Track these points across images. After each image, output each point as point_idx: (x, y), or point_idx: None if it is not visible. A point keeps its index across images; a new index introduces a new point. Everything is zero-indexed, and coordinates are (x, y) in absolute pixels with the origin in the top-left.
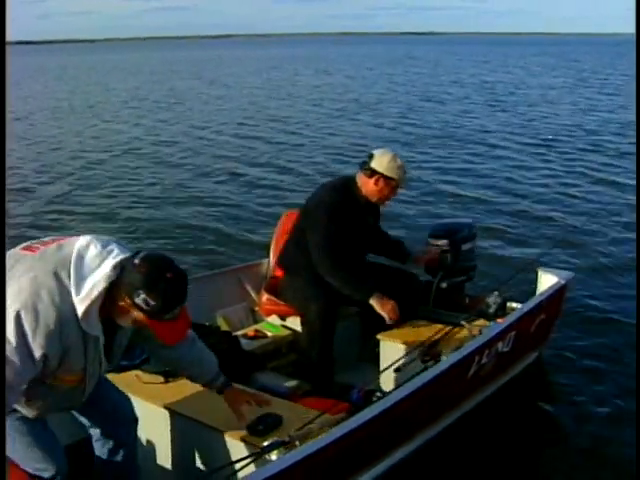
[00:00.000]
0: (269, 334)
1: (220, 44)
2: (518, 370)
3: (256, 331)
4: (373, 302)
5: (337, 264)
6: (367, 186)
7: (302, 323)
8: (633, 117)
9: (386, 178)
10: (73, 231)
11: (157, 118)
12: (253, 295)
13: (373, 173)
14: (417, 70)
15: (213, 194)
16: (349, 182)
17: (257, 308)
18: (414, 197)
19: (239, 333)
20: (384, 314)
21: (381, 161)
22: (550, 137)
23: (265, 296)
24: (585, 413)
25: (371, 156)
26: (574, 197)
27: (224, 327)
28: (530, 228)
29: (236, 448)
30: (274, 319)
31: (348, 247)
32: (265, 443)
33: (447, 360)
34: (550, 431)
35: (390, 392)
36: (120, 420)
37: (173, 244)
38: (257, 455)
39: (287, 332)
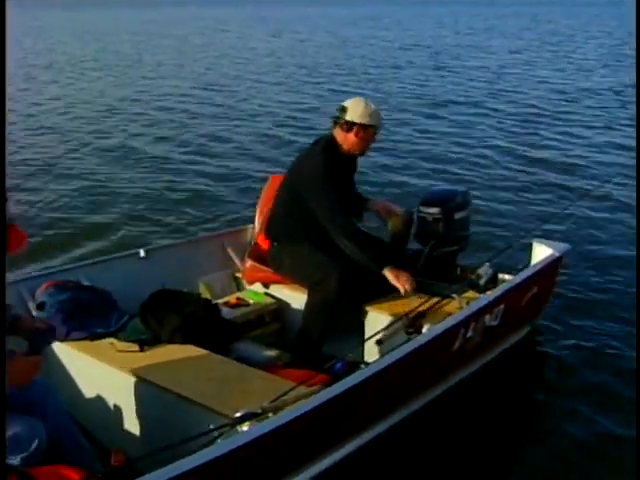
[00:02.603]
0: (251, 302)
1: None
2: (508, 345)
3: (238, 299)
4: (387, 273)
5: (353, 230)
6: (348, 141)
7: (312, 294)
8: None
9: (366, 127)
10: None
11: (120, 83)
12: (237, 262)
13: (351, 126)
14: (374, 32)
15: (195, 159)
16: (331, 142)
17: (240, 275)
18: (405, 165)
19: (221, 301)
20: (399, 286)
21: (356, 111)
22: (548, 103)
23: (249, 263)
24: (576, 391)
25: (343, 109)
26: (576, 166)
27: (206, 295)
28: (527, 198)
29: (207, 419)
30: (257, 287)
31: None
32: (237, 414)
33: (429, 332)
34: (539, 408)
35: (369, 364)
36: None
37: (155, 209)
38: (227, 426)
39: (270, 300)
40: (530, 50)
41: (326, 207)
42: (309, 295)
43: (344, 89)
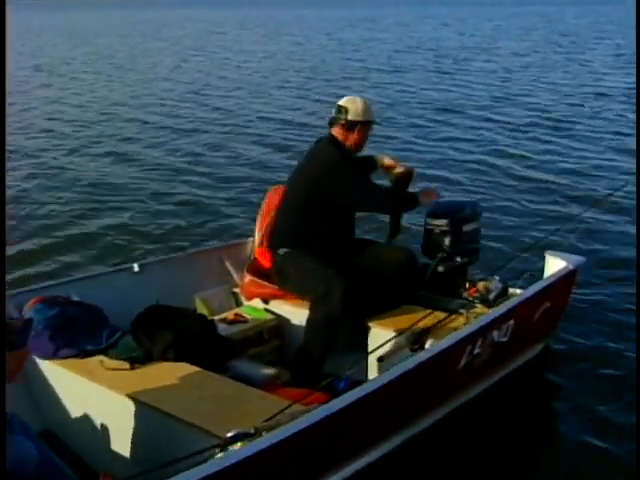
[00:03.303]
0: (250, 318)
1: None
2: (520, 363)
3: (236, 315)
4: (423, 199)
5: (387, 194)
6: (350, 140)
7: (315, 309)
8: None
9: (367, 124)
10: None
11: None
12: (235, 277)
13: (353, 125)
14: (373, 34)
15: (193, 169)
16: (334, 140)
17: (239, 290)
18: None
19: (217, 317)
20: (431, 201)
21: (356, 109)
22: (556, 109)
23: (248, 277)
24: (592, 417)
25: (343, 109)
26: (592, 175)
27: (202, 311)
28: (540, 208)
29: (199, 440)
30: (257, 302)
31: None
32: (229, 434)
33: (432, 348)
34: (551, 434)
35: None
36: None
37: (151, 221)
38: (219, 447)
39: (270, 317)
40: (537, 52)
41: (357, 195)
42: (311, 310)
43: (344, 92)
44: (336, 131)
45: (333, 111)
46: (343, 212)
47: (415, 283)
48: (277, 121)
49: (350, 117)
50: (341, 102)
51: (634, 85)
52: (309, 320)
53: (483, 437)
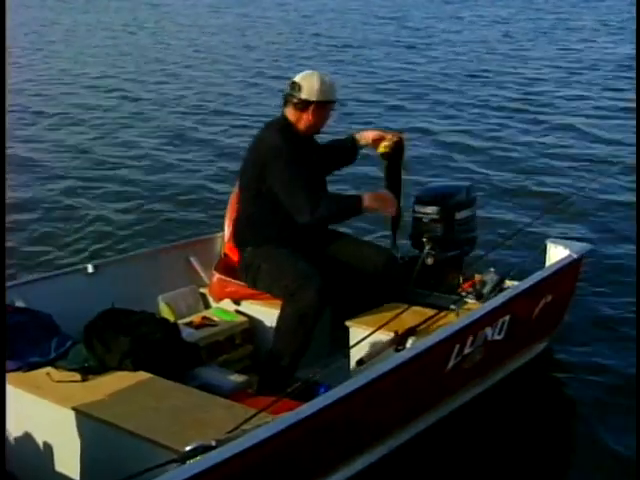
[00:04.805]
0: (219, 321)
1: None
2: (518, 364)
3: (204, 318)
4: (369, 204)
5: (314, 198)
6: (303, 121)
7: (287, 306)
8: None
9: (324, 104)
10: None
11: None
12: (203, 276)
13: (306, 104)
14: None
15: (157, 158)
16: (284, 123)
17: (207, 291)
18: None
19: (183, 321)
20: (386, 211)
21: (311, 87)
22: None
23: (217, 276)
24: (602, 427)
25: (296, 86)
26: (597, 159)
27: (166, 314)
28: (539, 193)
29: (157, 455)
30: (227, 304)
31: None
32: (187, 448)
33: (414, 347)
34: (554, 446)
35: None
36: None
37: (106, 216)
38: (177, 461)
39: (242, 319)
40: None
41: (282, 186)
42: (282, 308)
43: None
44: (288, 111)
45: (287, 88)
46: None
47: (396, 284)
48: (240, 106)
49: (303, 96)
50: (296, 78)
51: (630, 54)
52: (280, 319)
53: (475, 448)
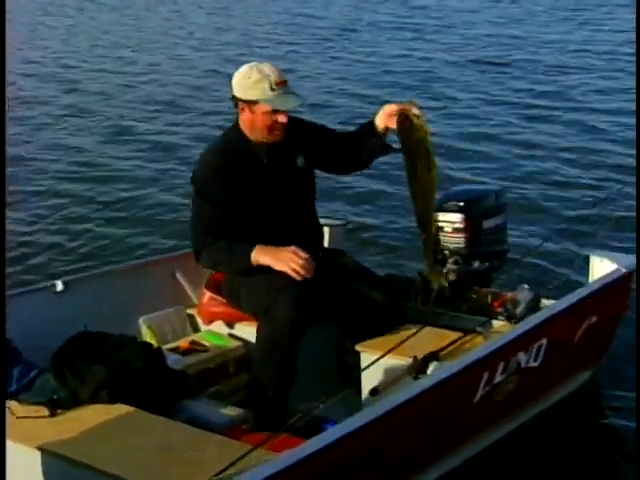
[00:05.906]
0: (210, 346)
1: None
2: (558, 397)
3: (192, 343)
4: (256, 259)
5: (199, 243)
6: (245, 124)
7: (262, 327)
8: None
9: (250, 103)
10: None
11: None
12: (191, 294)
13: (236, 103)
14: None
15: (144, 166)
16: (232, 133)
17: (195, 312)
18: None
19: (168, 347)
20: (284, 268)
21: (236, 83)
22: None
23: (207, 295)
24: None
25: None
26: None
27: (149, 338)
28: (581, 201)
29: None
30: (219, 326)
31: (236, 217)
32: None
33: (434, 375)
34: None
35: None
36: None
37: (79, 230)
38: None
39: (236, 344)
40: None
41: (191, 223)
42: (257, 330)
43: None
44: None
45: None
46: (259, 212)
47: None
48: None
49: (233, 92)
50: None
51: None
52: (256, 343)
53: None
